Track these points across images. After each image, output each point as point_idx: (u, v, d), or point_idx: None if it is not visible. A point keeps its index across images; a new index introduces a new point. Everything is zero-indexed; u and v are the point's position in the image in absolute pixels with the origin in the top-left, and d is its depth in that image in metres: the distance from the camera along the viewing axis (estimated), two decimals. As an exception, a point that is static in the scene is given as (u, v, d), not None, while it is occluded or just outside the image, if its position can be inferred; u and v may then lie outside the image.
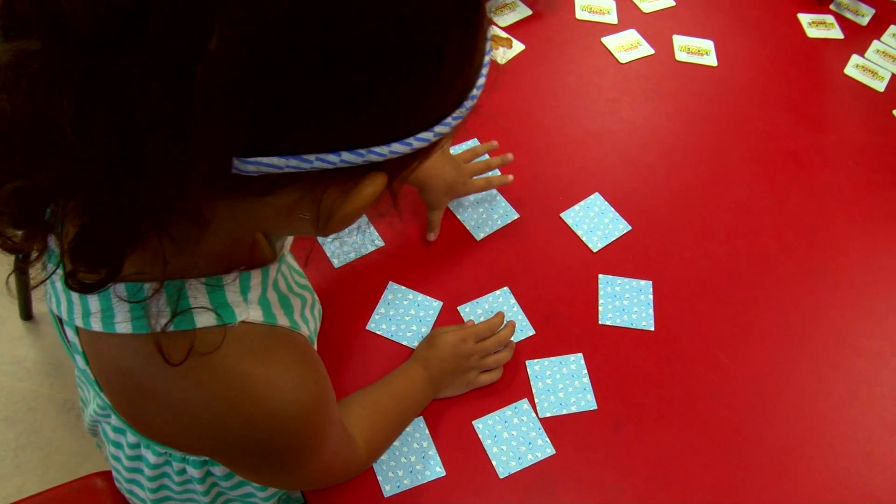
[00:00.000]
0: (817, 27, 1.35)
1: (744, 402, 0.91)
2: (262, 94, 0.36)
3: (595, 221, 1.05)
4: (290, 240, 0.65)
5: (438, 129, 0.43)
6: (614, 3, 1.34)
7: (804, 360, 0.96)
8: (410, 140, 0.42)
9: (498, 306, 0.96)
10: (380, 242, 1.01)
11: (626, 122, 1.19)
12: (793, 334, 0.98)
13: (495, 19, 1.31)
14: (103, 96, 0.34)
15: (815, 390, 0.93)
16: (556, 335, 0.95)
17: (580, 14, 1.33)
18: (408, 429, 0.86)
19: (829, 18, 1.37)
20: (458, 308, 0.96)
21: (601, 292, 0.99)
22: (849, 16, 1.38)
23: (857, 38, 1.34)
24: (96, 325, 0.51)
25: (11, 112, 0.36)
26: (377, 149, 0.41)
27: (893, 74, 1.28)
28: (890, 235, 1.08)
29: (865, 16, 1.38)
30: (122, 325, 0.49)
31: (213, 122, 0.35)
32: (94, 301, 0.51)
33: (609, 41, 1.29)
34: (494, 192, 1.06)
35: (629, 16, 1.34)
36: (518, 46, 1.27)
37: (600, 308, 0.97)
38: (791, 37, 1.34)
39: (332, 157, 0.40)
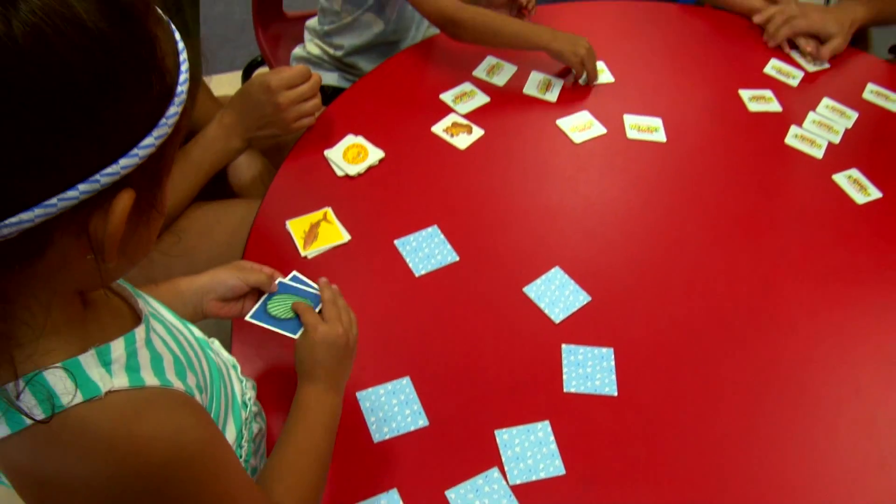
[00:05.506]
0: (757, 101, 1.45)
1: (707, 458, 0.95)
2: None
3: (556, 294, 1.10)
4: (149, 299, 0.68)
5: (144, 143, 0.47)
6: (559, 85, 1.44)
7: (764, 413, 0.99)
8: (118, 162, 0.46)
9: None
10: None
11: (583, 197, 1.26)
12: (752, 388, 1.02)
13: (456, 107, 1.39)
14: None
15: (779, 442, 0.97)
16: (523, 404, 0.98)
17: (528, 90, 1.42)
18: (382, 502, 0.88)
19: (768, 93, 1.46)
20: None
21: (565, 361, 1.03)
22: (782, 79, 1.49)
23: (795, 109, 1.44)
24: None
25: None
26: (108, 170, 0.46)
27: (830, 142, 1.37)
28: (836, 290, 1.14)
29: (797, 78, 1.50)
30: (1, 429, 0.52)
31: None
32: None
33: (563, 123, 1.38)
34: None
35: (577, 95, 1.43)
36: (478, 132, 1.35)
37: (564, 377, 1.01)
38: (734, 111, 1.43)
39: (71, 193, 0.45)
